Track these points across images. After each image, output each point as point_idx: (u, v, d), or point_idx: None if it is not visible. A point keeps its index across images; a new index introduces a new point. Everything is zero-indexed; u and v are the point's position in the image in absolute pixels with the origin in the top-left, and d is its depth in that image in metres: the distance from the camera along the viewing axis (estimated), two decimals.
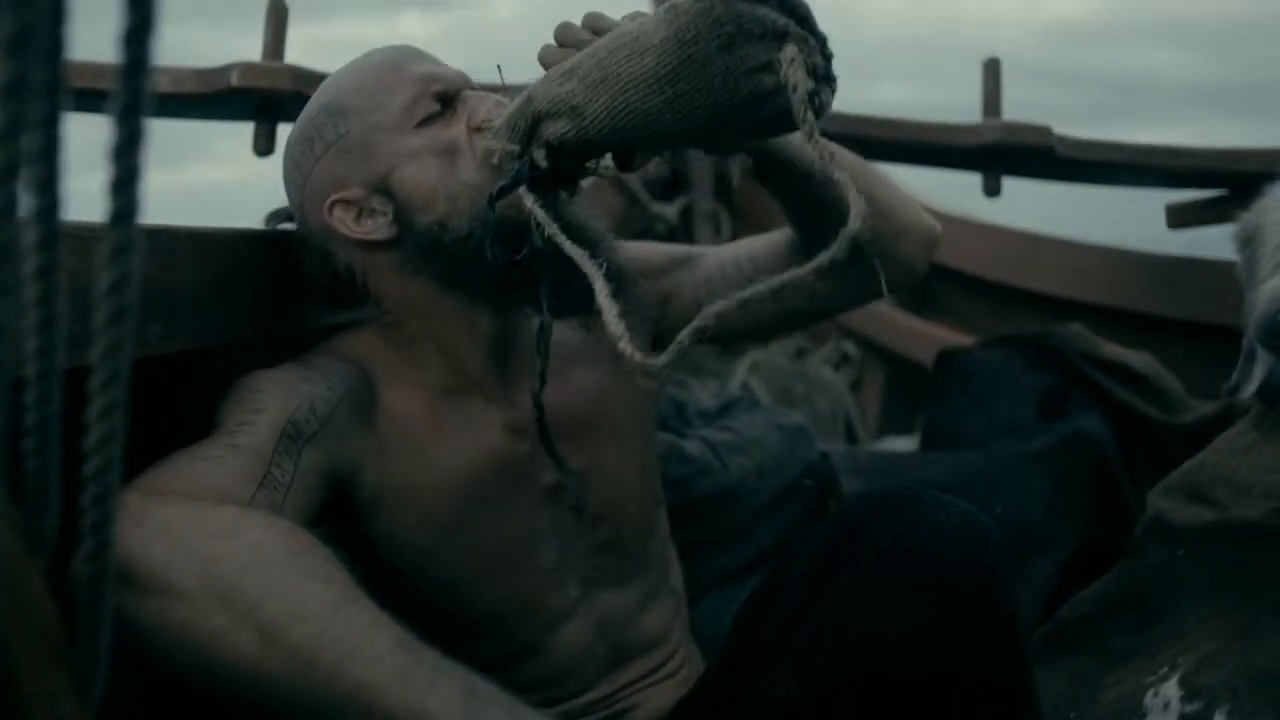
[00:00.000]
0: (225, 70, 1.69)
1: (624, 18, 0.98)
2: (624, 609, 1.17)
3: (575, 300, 1.00)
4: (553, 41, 1.00)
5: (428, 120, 1.04)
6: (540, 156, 0.97)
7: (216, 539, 0.75)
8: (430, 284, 1.05)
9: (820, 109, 0.88)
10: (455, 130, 1.04)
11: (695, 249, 1.28)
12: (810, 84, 0.87)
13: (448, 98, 1.06)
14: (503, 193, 0.97)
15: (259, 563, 0.73)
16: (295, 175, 1.08)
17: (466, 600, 1.07)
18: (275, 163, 1.71)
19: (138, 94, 0.42)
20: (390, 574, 1.05)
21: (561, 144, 0.96)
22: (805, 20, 0.90)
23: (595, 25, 0.99)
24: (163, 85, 1.72)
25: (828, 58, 0.91)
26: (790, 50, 0.87)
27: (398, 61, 1.08)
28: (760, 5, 0.88)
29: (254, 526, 0.77)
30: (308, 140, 1.07)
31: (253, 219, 1.26)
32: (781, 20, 0.88)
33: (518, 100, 0.98)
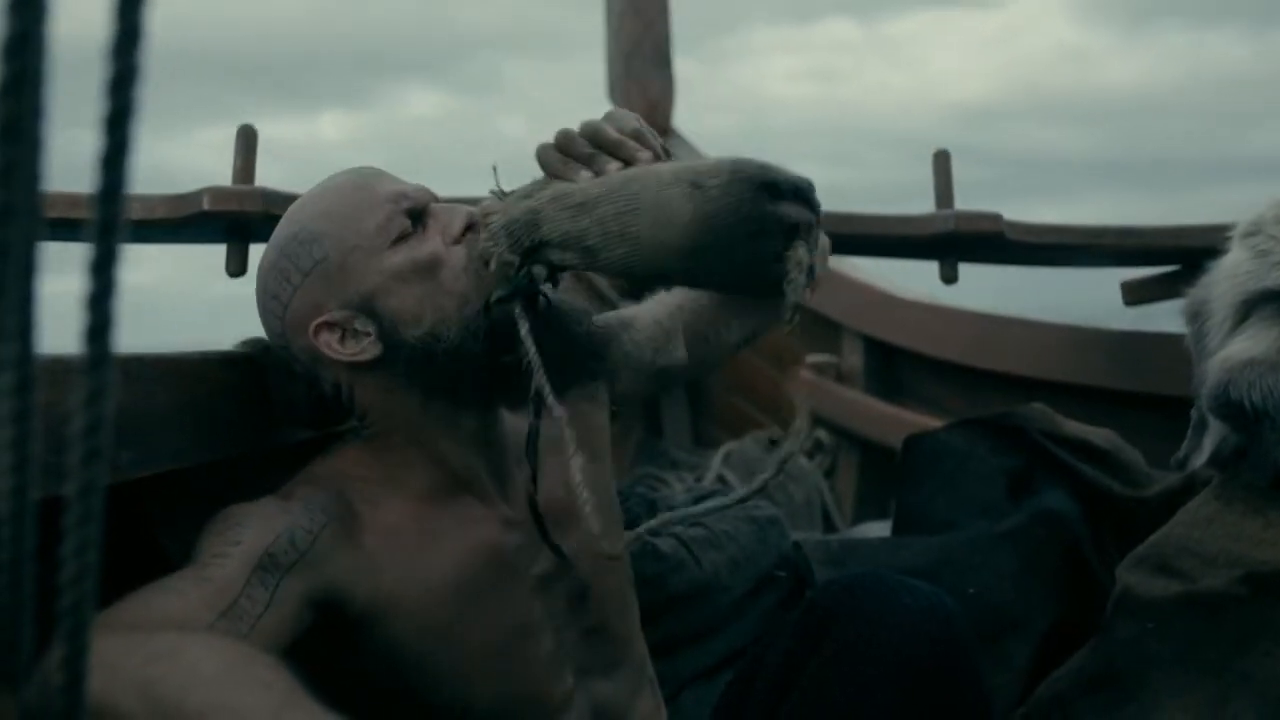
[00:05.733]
0: (197, 195, 1.71)
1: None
2: (616, 700, 1.17)
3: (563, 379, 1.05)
4: (551, 143, 1.03)
5: (402, 238, 1.06)
6: (542, 276, 1.02)
7: (155, 662, 0.75)
8: (417, 395, 1.07)
9: (812, 279, 0.97)
10: (432, 244, 1.07)
11: (626, 312, 1.33)
12: (807, 271, 0.95)
13: (417, 213, 1.08)
14: (500, 302, 1.02)
15: (198, 680, 0.74)
16: (273, 306, 1.09)
17: (468, 699, 1.06)
18: (237, 284, 1.75)
19: (114, 218, 0.43)
20: (391, 683, 1.05)
21: (564, 268, 1.02)
22: (815, 207, 0.98)
23: (596, 138, 1.02)
24: (135, 212, 1.73)
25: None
26: (800, 252, 0.95)
27: (363, 183, 1.09)
28: (782, 201, 0.95)
29: (192, 646, 0.78)
30: (283, 271, 1.08)
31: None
32: (800, 216, 0.96)
33: (521, 210, 1.01)
